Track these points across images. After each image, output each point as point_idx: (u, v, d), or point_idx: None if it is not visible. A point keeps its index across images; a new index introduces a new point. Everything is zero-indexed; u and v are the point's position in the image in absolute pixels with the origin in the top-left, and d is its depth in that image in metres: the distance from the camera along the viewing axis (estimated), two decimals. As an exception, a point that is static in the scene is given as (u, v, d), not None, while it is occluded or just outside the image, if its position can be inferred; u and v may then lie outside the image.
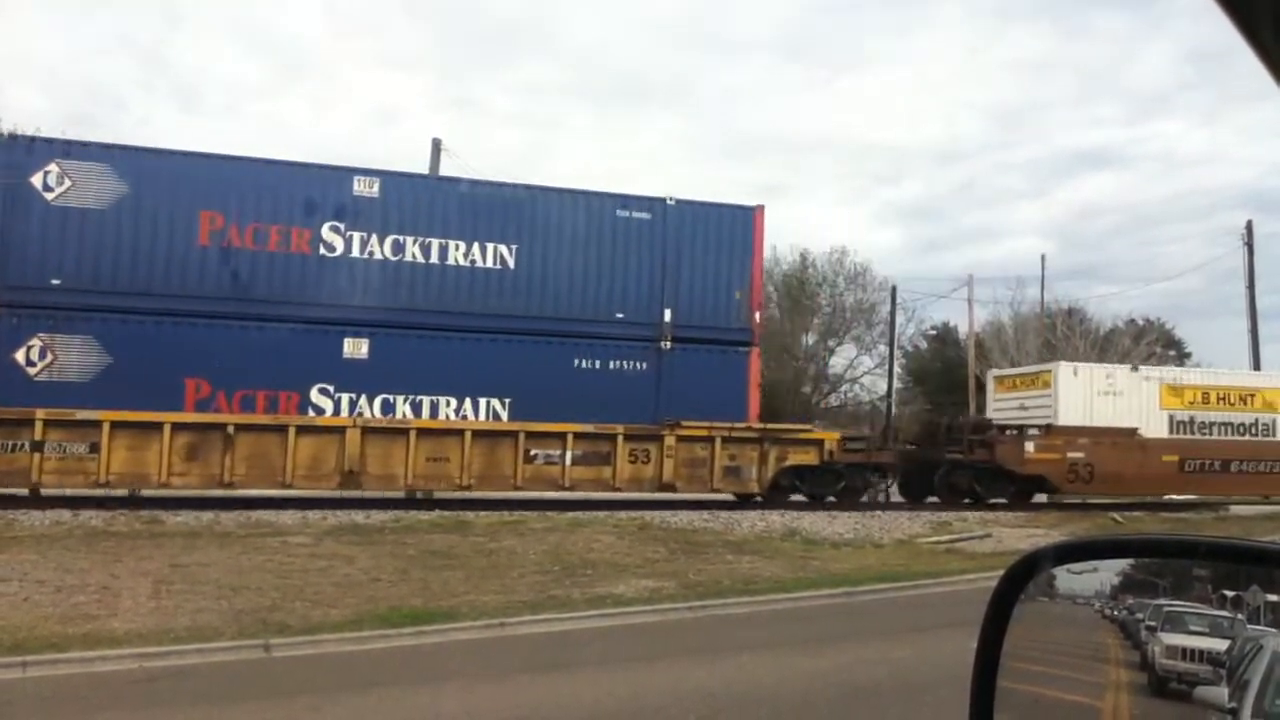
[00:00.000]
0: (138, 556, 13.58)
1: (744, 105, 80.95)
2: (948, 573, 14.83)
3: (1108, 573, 1.91)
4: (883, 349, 45.27)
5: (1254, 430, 26.45)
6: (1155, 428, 25.23)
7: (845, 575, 14.28)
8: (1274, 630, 1.67)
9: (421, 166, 26.88)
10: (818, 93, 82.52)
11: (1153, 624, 1.84)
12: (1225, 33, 1.12)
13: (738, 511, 20.37)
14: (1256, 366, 35.98)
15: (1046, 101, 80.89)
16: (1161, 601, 1.85)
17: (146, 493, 19.11)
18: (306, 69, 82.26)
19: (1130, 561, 1.93)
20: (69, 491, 18.33)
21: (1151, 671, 1.81)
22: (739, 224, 23.50)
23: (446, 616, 10.85)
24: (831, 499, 22.00)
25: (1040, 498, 24.16)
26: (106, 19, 71.93)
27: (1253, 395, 26.74)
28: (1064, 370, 26.21)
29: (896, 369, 47.10)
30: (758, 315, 23.88)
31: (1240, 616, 1.72)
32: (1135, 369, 27.34)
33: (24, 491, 18.33)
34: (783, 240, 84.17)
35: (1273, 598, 1.70)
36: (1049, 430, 23.93)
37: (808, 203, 75.94)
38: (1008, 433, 24.59)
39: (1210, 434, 25.97)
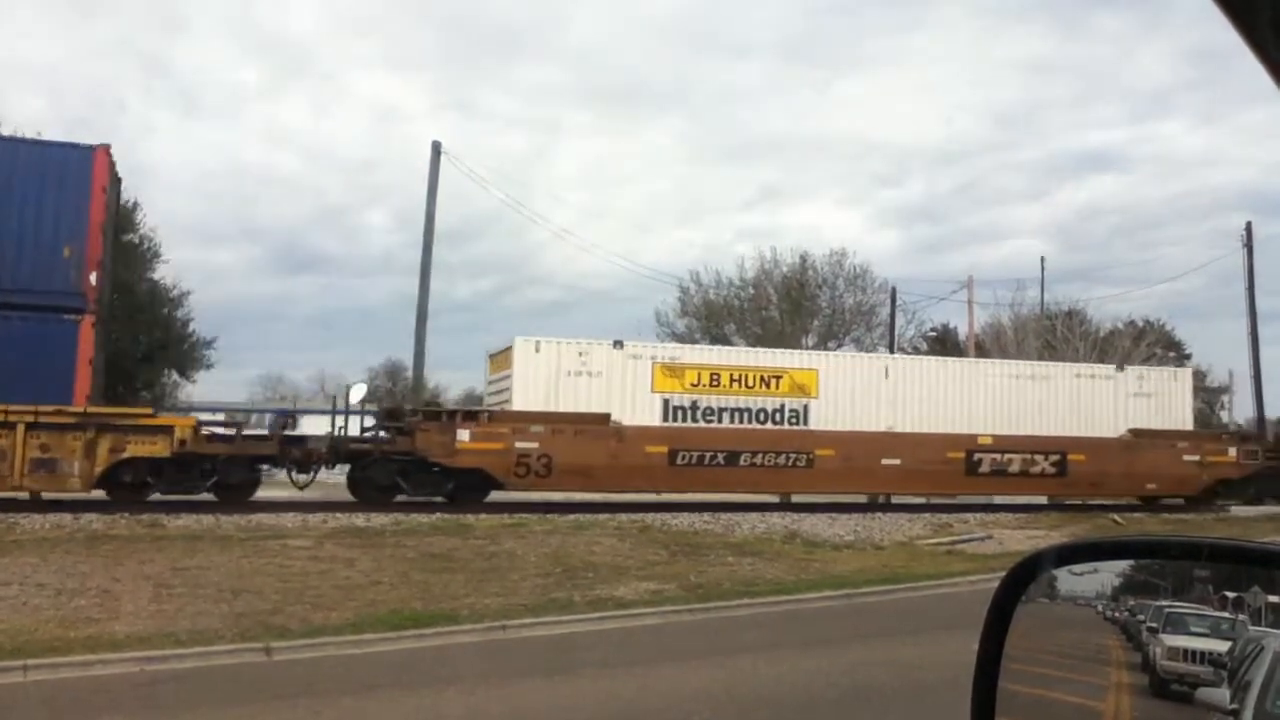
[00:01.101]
0: (139, 560, 13.57)
1: (744, 107, 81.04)
2: (948, 574, 14.83)
3: (1109, 574, 1.91)
4: (883, 350, 45.23)
5: (778, 417, 22.49)
6: (644, 414, 21.60)
7: (846, 577, 14.28)
8: (1275, 631, 1.67)
9: (423, 169, 26.87)
10: (818, 94, 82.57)
11: (1154, 625, 1.84)
12: (1225, 33, 1.12)
13: (738, 514, 20.35)
14: (1257, 368, 36.03)
15: (1046, 102, 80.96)
16: (1163, 603, 1.85)
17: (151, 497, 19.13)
18: (306, 71, 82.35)
19: (1131, 563, 1.93)
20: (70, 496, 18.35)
21: (1153, 673, 1.81)
22: (71, 168, 19.47)
23: (447, 619, 10.85)
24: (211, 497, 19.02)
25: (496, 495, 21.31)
26: (107, 22, 72.05)
27: (778, 377, 22.71)
28: (521, 347, 21.50)
29: (897, 370, 47.05)
30: (94, 277, 19.39)
31: (1242, 618, 1.72)
32: (619, 345, 22.04)
33: (24, 495, 18.33)
34: (783, 242, 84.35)
35: (1274, 599, 1.70)
36: (490, 417, 21.06)
37: (808, 205, 76.06)
38: (440, 419, 21.19)
39: (718, 421, 22.14)
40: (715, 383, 22.34)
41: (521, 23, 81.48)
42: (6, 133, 21.53)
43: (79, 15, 72.96)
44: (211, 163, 79.23)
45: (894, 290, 43.16)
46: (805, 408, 22.67)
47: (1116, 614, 1.93)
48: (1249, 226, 38.33)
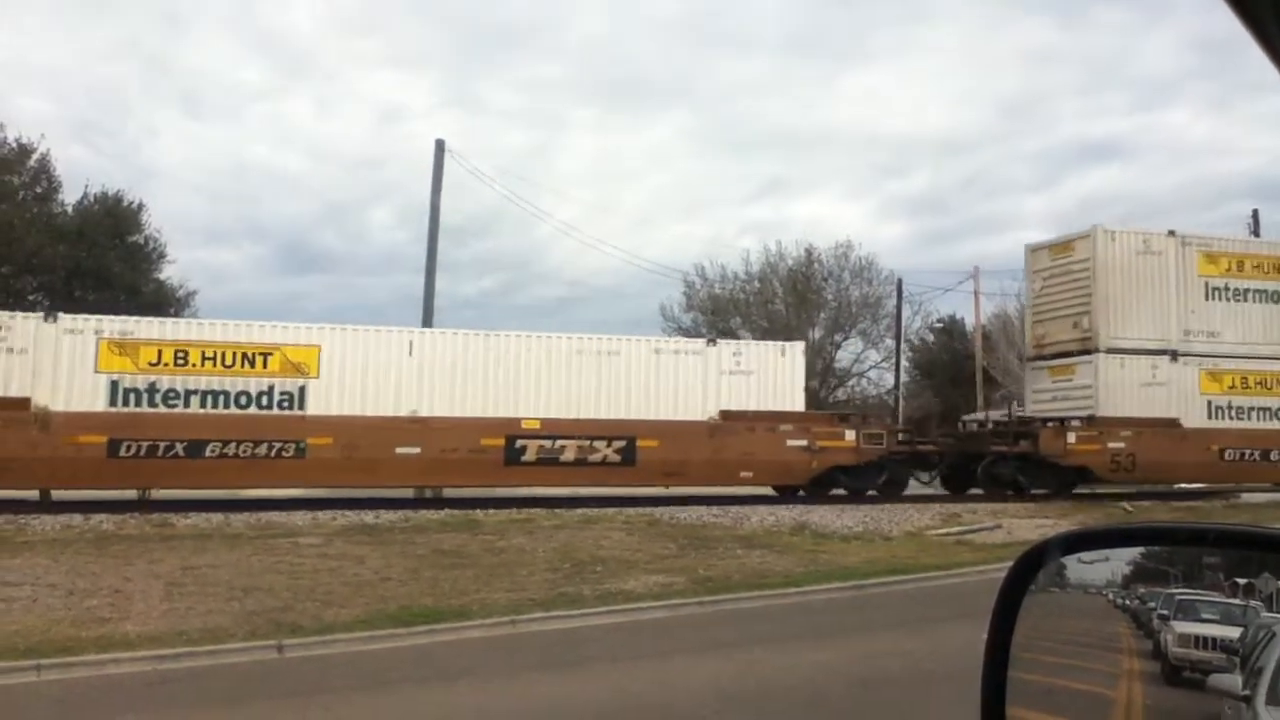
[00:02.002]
0: (149, 559, 13.63)
1: (748, 100, 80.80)
2: (958, 564, 14.81)
3: (1118, 562, 1.91)
4: (890, 342, 45.16)
5: (265, 401, 19.54)
6: (85, 398, 18.63)
7: (855, 568, 14.28)
8: (1286, 617, 1.66)
9: (427, 166, 26.85)
10: (822, 86, 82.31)
11: (1164, 612, 1.84)
12: (1230, 22, 1.12)
13: (747, 506, 20.36)
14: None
15: (1052, 91, 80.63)
16: (1173, 590, 1.85)
17: (156, 495, 19.21)
18: (309, 69, 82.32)
19: (1140, 550, 1.93)
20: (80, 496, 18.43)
21: (1164, 660, 1.81)
22: None
23: (458, 615, 10.87)
24: None
25: None
26: (110, 23, 72.08)
27: (267, 355, 19.69)
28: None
29: (904, 362, 47.05)
30: None
31: (1253, 604, 1.72)
32: (51, 318, 19.08)
33: (35, 496, 18.42)
34: (788, 236, 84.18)
35: (1285, 585, 1.69)
36: None
37: (813, 198, 75.88)
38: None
39: (184, 406, 19.12)
40: (183, 361, 19.17)
41: (525, 18, 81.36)
42: (12, 136, 21.57)
43: (82, 16, 73.00)
44: (216, 162, 79.22)
45: (900, 282, 43.12)
46: (302, 389, 19.68)
47: (1126, 601, 1.92)
48: (1255, 214, 38.21)
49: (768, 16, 79.35)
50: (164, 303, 34.09)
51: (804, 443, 22.17)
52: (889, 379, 45.67)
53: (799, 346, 24.32)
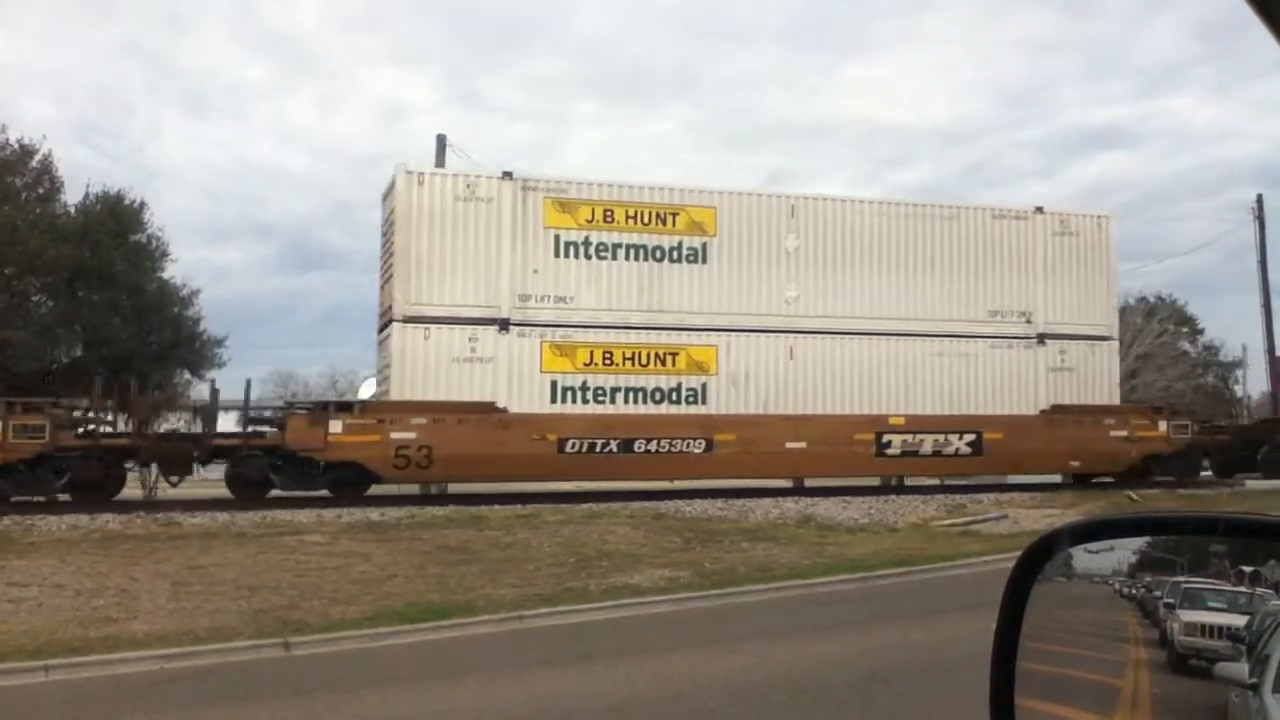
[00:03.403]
0: (155, 559, 13.66)
1: (751, 92, 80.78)
2: (964, 555, 14.81)
3: (1125, 551, 1.90)
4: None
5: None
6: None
7: (861, 560, 14.28)
8: (1294, 605, 1.66)
9: (430, 163, 26.84)
10: (824, 77, 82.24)
11: (1171, 601, 1.83)
12: (1235, 5, 1.11)
13: (751, 500, 20.38)
14: (1270, 341, 35.83)
15: (1055, 79, 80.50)
16: (1180, 578, 1.85)
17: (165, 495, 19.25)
18: (312, 68, 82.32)
19: (1147, 539, 1.92)
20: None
21: (1171, 649, 1.80)
22: None
23: (464, 611, 10.89)
24: None
25: None
26: (113, 23, 72.11)
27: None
28: None
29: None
30: None
31: (1260, 592, 1.72)
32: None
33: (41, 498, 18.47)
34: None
35: (1292, 572, 1.69)
36: None
37: (817, 188, 75.78)
38: None
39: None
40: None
41: (527, 14, 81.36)
42: (14, 138, 21.56)
43: (83, 17, 73.08)
44: (219, 161, 79.39)
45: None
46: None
47: (1133, 591, 1.92)
48: (1260, 199, 38.10)
49: (769, 8, 79.28)
50: (167, 302, 34.12)
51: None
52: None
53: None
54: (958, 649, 8.15)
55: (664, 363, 21.81)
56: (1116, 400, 25.15)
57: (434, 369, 20.50)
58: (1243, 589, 1.75)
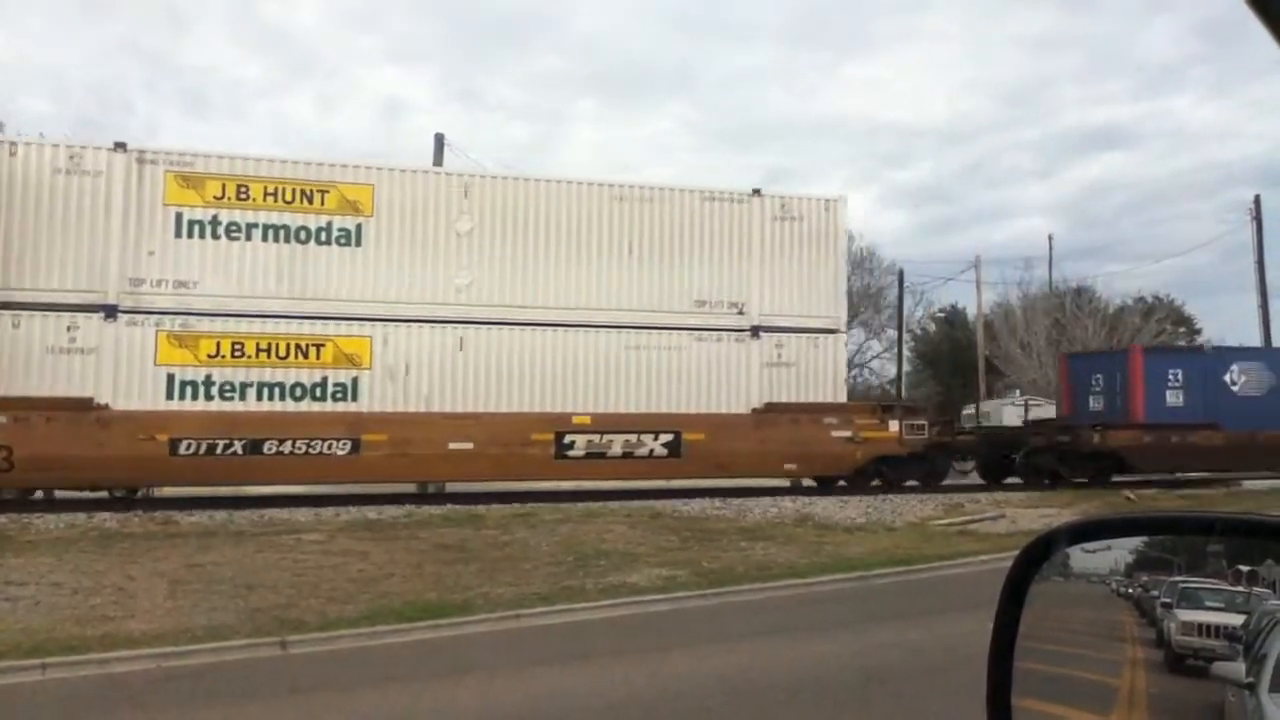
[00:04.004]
0: (153, 557, 13.65)
1: (749, 91, 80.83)
2: (961, 555, 14.82)
3: (1122, 551, 1.90)
4: (891, 333, 45.22)
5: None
6: None
7: (858, 559, 14.28)
8: (1290, 604, 1.66)
9: (429, 161, 26.86)
10: (824, 75, 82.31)
11: (1168, 601, 1.84)
12: (1234, 5, 1.11)
13: (750, 499, 20.38)
14: (1267, 342, 35.89)
15: (1055, 79, 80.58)
16: (1177, 578, 1.85)
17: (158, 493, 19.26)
18: (310, 66, 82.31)
19: (1144, 539, 1.92)
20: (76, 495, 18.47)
21: (1168, 648, 1.81)
22: None
23: (461, 610, 10.88)
24: None
25: None
26: (112, 21, 72.04)
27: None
28: None
29: (906, 352, 47.05)
30: None
31: (1256, 591, 1.72)
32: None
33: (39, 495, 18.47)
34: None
35: (1289, 572, 1.69)
36: None
37: (815, 188, 75.76)
38: None
39: None
40: None
41: (526, 11, 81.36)
42: (11, 134, 21.52)
43: (85, 15, 72.99)
44: (216, 160, 79.29)
45: (901, 272, 43.08)
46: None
47: (1130, 590, 1.92)
48: (1257, 199, 38.19)
49: (768, 5, 79.33)
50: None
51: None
52: (891, 369, 45.68)
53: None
54: (955, 648, 8.17)
55: (307, 355, 19.90)
56: (843, 398, 23.50)
57: (25, 361, 18.34)
58: (1239, 588, 1.75)
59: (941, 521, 18.71)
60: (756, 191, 22.86)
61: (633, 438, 21.15)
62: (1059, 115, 79.08)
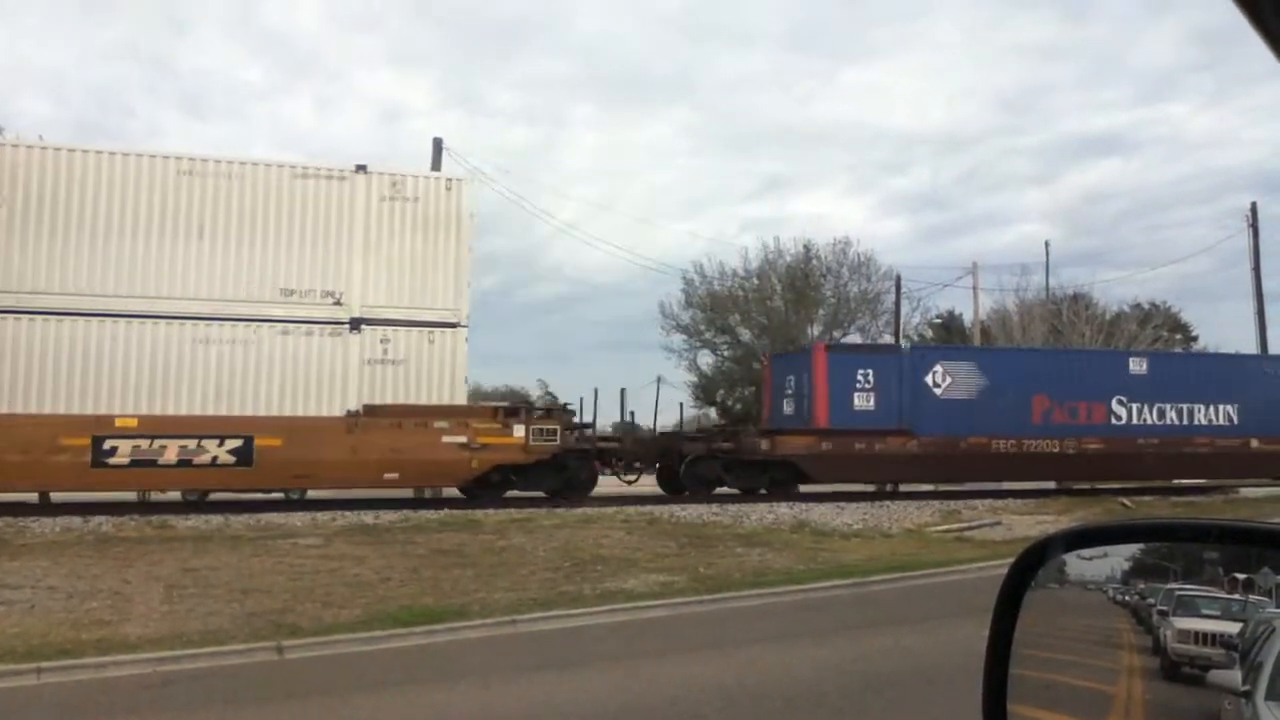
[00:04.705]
0: (149, 561, 13.62)
1: (748, 97, 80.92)
2: (958, 561, 14.81)
3: (1118, 558, 1.90)
4: (889, 338, 45.18)
5: None
6: None
7: (856, 566, 14.28)
8: (1287, 613, 1.66)
9: (427, 166, 26.85)
10: (823, 82, 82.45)
11: (1164, 608, 1.83)
12: (1230, 12, 1.11)
13: (747, 504, 20.38)
14: (1263, 348, 35.92)
15: (1053, 86, 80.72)
16: (1173, 586, 1.85)
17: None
18: (310, 70, 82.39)
19: (1140, 546, 1.92)
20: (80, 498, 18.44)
21: (1164, 656, 1.80)
22: None
23: (458, 615, 10.87)
24: None
25: None
26: (112, 24, 72.11)
27: None
28: None
29: (902, 357, 46.96)
30: None
31: (1253, 599, 1.72)
32: None
33: (34, 498, 18.43)
34: (785, 232, 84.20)
35: (1285, 580, 1.69)
36: None
37: (814, 194, 75.93)
38: None
39: None
40: None
41: (525, 16, 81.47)
42: (10, 137, 21.47)
43: (85, 16, 73.04)
44: (214, 164, 79.35)
45: (899, 278, 43.07)
46: None
47: (1126, 598, 1.92)
48: (1254, 206, 38.25)
49: (769, 11, 79.48)
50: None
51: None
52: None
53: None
54: (951, 655, 8.14)
55: None
56: (463, 399, 21.20)
57: None
58: (1236, 596, 1.75)
59: (938, 528, 18.71)
60: (362, 168, 20.57)
61: (191, 443, 18.38)
62: (1057, 122, 79.26)
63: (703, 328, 43.27)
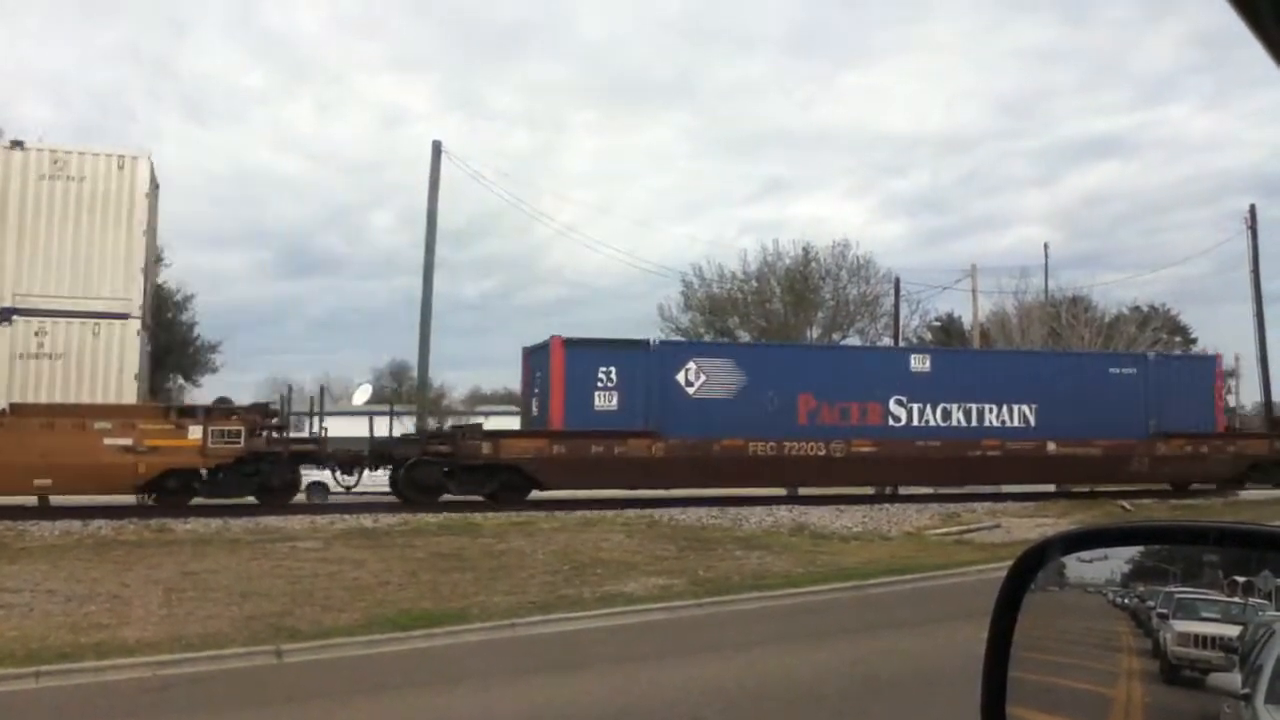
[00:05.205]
0: (148, 565, 13.61)
1: (748, 100, 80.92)
2: (957, 564, 14.81)
3: (1117, 561, 1.90)
4: (888, 341, 45.17)
5: None
6: None
7: (855, 569, 14.28)
8: (1286, 615, 1.66)
9: (427, 168, 26.84)
10: (823, 85, 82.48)
11: (1164, 611, 1.83)
12: (1229, 16, 1.11)
13: (746, 508, 20.37)
14: (1262, 351, 35.95)
15: (1053, 89, 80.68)
16: (1172, 588, 1.84)
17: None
18: (311, 74, 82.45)
19: (1140, 549, 1.92)
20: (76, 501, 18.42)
21: (1164, 659, 1.80)
22: None
23: (457, 618, 10.86)
24: None
25: None
26: (113, 27, 72.14)
27: None
28: None
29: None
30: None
31: (1252, 602, 1.72)
32: None
33: (33, 501, 18.41)
34: (785, 235, 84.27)
35: (1285, 583, 1.69)
36: None
37: (813, 197, 75.94)
38: None
39: None
40: None
41: (526, 20, 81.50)
42: (11, 138, 21.37)
43: (85, 20, 73.08)
44: (218, 167, 79.37)
45: (898, 280, 43.07)
46: None
47: (1126, 600, 1.92)
48: (1253, 209, 38.25)
49: (769, 15, 79.53)
50: (162, 307, 34.08)
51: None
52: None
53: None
54: (951, 657, 8.13)
55: None
56: (133, 398, 19.01)
57: None
58: (1235, 599, 1.74)
59: (937, 531, 18.71)
60: (18, 143, 18.71)
61: None
62: (1057, 124, 79.21)
63: (702, 330, 43.25)
